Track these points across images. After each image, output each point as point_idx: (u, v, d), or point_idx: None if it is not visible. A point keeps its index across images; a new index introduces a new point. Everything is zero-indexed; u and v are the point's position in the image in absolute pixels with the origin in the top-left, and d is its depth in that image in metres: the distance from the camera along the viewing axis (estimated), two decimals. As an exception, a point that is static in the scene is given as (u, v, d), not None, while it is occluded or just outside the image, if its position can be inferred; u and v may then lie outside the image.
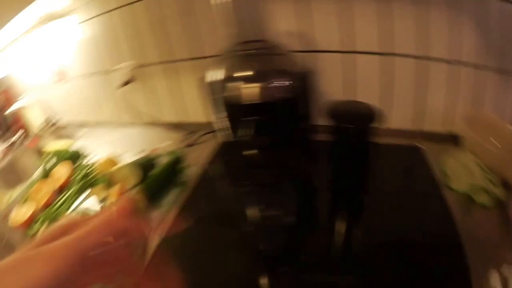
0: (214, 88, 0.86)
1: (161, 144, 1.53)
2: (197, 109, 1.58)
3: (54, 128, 1.87)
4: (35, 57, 1.78)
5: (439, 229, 0.71)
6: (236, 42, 0.83)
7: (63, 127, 1.90)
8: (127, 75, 1.58)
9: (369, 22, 0.93)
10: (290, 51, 0.89)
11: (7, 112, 1.80)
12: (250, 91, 0.80)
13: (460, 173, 0.73)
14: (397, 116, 1.09)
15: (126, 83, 1.59)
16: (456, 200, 0.74)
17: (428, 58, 0.91)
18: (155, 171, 1.28)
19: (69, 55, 1.70)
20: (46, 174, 1.46)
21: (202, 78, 0.91)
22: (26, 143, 1.83)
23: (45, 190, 1.33)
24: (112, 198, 1.20)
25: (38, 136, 1.89)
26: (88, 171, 1.40)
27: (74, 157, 1.53)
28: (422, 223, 0.73)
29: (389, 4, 0.89)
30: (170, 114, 1.65)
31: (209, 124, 1.31)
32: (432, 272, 0.62)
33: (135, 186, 1.24)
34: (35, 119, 1.91)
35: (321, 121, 1.03)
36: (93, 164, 1.44)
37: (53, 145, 1.70)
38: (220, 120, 0.96)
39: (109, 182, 1.30)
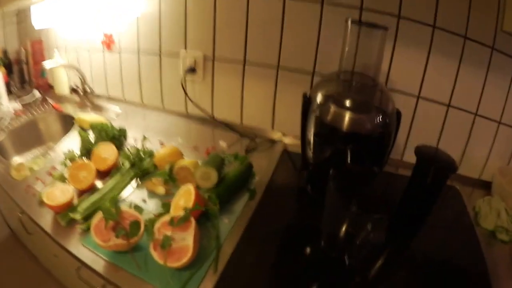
0: (314, 106, 0.84)
1: (219, 142, 1.35)
2: (252, 114, 1.39)
3: (87, 97, 1.57)
4: (85, 15, 1.49)
5: (469, 256, 0.83)
6: (342, 68, 0.82)
7: (96, 98, 1.60)
8: (191, 62, 1.35)
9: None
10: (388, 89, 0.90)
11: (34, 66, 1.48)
12: (353, 120, 0.78)
13: (489, 214, 0.87)
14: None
15: (190, 70, 1.37)
16: (483, 235, 0.87)
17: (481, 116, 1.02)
18: (230, 175, 1.09)
19: (125, 25, 1.44)
20: (85, 153, 1.19)
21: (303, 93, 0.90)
22: (47, 105, 1.52)
23: (87, 173, 1.09)
24: (185, 198, 0.99)
25: (64, 100, 1.58)
26: (140, 158, 1.17)
27: (118, 137, 1.27)
28: (457, 251, 0.86)
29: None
30: (222, 113, 1.44)
31: (260, 132, 1.33)
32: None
33: (210, 188, 1.05)
34: (63, 82, 1.60)
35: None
36: (147, 151, 1.20)
37: (88, 116, 1.42)
38: (310, 138, 0.91)
39: (171, 178, 1.09)
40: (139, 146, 1.27)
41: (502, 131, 1.01)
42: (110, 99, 1.59)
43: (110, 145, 1.19)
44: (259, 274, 0.83)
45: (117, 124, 1.33)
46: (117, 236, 0.85)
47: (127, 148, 1.24)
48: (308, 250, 0.88)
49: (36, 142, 1.50)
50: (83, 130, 1.34)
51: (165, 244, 0.80)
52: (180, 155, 1.16)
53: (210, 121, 1.44)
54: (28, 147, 1.48)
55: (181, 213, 0.89)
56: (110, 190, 1.07)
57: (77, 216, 0.96)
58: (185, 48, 1.34)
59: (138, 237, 0.86)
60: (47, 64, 1.46)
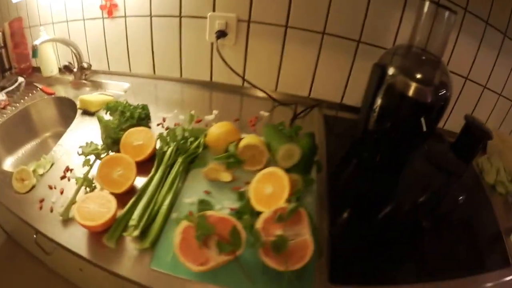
0: (381, 76, 0.84)
1: (260, 112, 1.11)
2: (289, 81, 1.17)
3: (84, 74, 1.20)
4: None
5: (478, 203, 0.90)
6: (412, 43, 0.84)
7: (94, 74, 1.24)
8: (222, 25, 1.07)
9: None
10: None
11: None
12: (422, 91, 0.79)
13: (490, 170, 0.96)
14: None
15: (220, 34, 1.05)
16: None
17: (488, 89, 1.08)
18: (304, 150, 0.85)
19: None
20: (111, 144, 0.89)
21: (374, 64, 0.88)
22: (36, 90, 1.15)
23: (123, 168, 0.81)
24: (272, 184, 0.74)
25: (53, 82, 1.21)
26: (185, 141, 0.89)
27: (145, 116, 0.97)
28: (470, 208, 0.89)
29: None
30: (254, 80, 1.18)
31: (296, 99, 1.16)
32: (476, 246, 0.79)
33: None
34: (51, 60, 1.22)
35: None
36: (195, 130, 0.92)
37: (93, 97, 1.08)
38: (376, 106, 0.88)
39: (238, 160, 0.85)
40: (169, 124, 1.00)
41: (500, 101, 1.10)
42: (112, 74, 1.23)
43: (142, 128, 0.89)
44: (363, 251, 0.75)
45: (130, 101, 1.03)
46: (221, 253, 0.62)
47: (166, 129, 0.94)
48: (389, 215, 0.85)
49: (30, 135, 1.15)
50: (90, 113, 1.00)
51: (282, 246, 0.62)
52: (237, 132, 0.88)
53: (238, 90, 1.19)
54: (21, 143, 1.14)
55: (281, 204, 0.70)
56: (159, 187, 0.78)
57: (135, 232, 0.67)
58: (214, 10, 1.06)
59: (242, 246, 0.64)
60: (38, 41, 1.07)
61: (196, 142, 0.89)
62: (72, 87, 1.19)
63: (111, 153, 0.87)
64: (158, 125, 1.01)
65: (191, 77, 1.20)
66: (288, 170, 0.79)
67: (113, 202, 0.72)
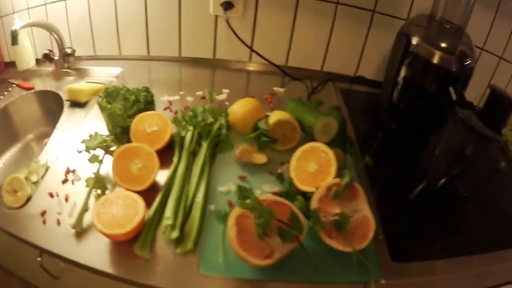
0: (406, 46, 0.80)
1: (274, 88, 0.99)
2: (301, 54, 1.06)
3: (67, 62, 1.00)
4: None
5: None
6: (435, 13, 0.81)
7: (78, 61, 1.05)
8: None
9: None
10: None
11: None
12: (443, 58, 0.76)
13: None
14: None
15: (227, 6, 0.93)
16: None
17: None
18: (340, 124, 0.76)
19: None
20: (120, 134, 0.73)
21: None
22: (11, 87, 0.95)
23: (143, 160, 0.67)
24: (315, 161, 0.64)
25: (31, 76, 1.01)
26: (205, 123, 0.76)
27: (151, 100, 0.82)
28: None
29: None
30: (264, 54, 1.04)
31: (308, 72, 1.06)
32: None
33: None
34: (27, 51, 1.01)
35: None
36: (216, 109, 0.79)
37: (82, 85, 0.90)
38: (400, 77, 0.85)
39: (271, 139, 0.74)
40: (177, 108, 0.87)
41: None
42: (100, 59, 1.04)
43: (154, 112, 0.75)
44: (411, 226, 0.70)
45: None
46: (285, 241, 0.52)
47: (175, 113, 0.80)
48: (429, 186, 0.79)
49: (11, 140, 0.95)
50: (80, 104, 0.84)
51: (344, 224, 0.55)
52: (263, 108, 0.76)
53: (244, 66, 1.07)
54: (1, 150, 0.91)
55: (330, 180, 0.62)
56: (186, 178, 0.65)
57: (173, 234, 0.55)
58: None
59: (304, 230, 0.54)
60: (16, 25, 0.86)
61: (217, 123, 0.76)
62: (54, 78, 1.00)
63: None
64: (165, 109, 0.88)
65: (192, 55, 1.05)
66: (337, 144, 0.69)
67: (140, 202, 0.58)
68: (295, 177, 0.67)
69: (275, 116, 0.74)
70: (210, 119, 0.77)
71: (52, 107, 0.94)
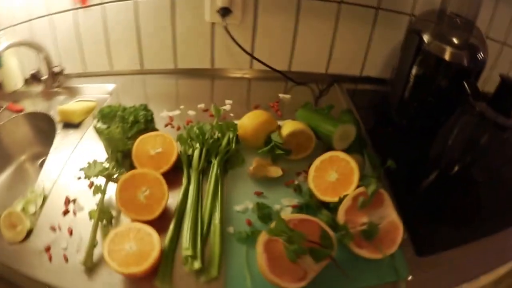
0: (418, 43, 0.77)
1: (279, 95, 0.93)
2: (304, 58, 0.99)
3: (57, 81, 0.92)
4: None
5: None
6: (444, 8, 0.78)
7: (68, 80, 0.97)
8: (225, 1, 0.86)
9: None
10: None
11: None
12: (456, 54, 0.73)
13: None
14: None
15: (224, 11, 0.86)
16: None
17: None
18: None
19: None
20: (121, 158, 0.66)
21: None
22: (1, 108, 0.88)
23: (150, 187, 0.60)
24: (335, 170, 0.60)
25: (19, 98, 0.93)
26: (213, 139, 0.70)
27: (151, 119, 0.75)
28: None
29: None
30: (265, 60, 0.97)
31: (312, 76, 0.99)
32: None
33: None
34: (14, 72, 0.93)
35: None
36: (224, 124, 0.72)
37: (74, 106, 0.83)
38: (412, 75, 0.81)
39: (285, 151, 0.67)
40: (179, 123, 0.80)
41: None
42: (91, 76, 0.96)
43: (156, 133, 0.68)
44: (432, 218, 0.68)
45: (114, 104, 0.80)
46: (318, 261, 0.48)
47: (177, 129, 0.74)
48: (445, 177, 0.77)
49: (2, 164, 0.86)
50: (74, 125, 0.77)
51: (373, 233, 0.53)
52: (274, 120, 0.70)
53: (243, 74, 1.00)
54: None
55: (352, 189, 0.58)
56: (199, 200, 0.58)
57: (196, 264, 0.49)
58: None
59: (335, 246, 0.50)
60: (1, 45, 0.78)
61: (225, 138, 0.69)
62: (43, 98, 0.92)
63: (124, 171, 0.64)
64: (166, 126, 0.80)
65: (188, 66, 0.98)
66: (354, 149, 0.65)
67: (154, 235, 0.52)
68: (315, 188, 0.62)
69: (288, 127, 0.68)
70: (217, 134, 0.71)
71: (44, 127, 0.87)
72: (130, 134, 0.71)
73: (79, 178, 0.67)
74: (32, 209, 0.62)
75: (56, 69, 0.89)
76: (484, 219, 0.69)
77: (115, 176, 0.62)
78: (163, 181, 0.60)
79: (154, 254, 0.49)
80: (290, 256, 0.47)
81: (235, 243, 0.56)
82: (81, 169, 0.63)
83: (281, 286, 0.47)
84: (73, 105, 0.84)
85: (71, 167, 0.70)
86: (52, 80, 0.90)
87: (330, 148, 0.68)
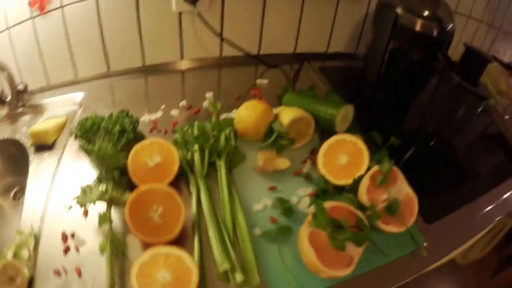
0: (390, 17, 0.73)
1: (257, 81, 0.85)
2: (273, 40, 0.91)
3: (21, 100, 0.75)
4: None
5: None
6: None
7: (31, 96, 0.78)
8: None
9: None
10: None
11: None
12: (426, 24, 0.71)
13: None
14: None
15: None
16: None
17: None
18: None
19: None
20: (118, 176, 0.56)
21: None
22: None
23: (163, 202, 0.51)
24: (345, 152, 0.56)
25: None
26: (214, 138, 0.61)
27: (137, 125, 0.64)
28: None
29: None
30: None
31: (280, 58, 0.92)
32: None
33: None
34: None
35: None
36: (219, 122, 0.63)
37: (45, 125, 0.68)
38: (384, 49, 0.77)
39: (290, 140, 0.62)
40: (165, 126, 0.69)
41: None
42: (55, 88, 0.79)
43: (150, 141, 0.57)
44: (428, 184, 0.66)
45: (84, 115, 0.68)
46: (361, 245, 0.46)
47: (164, 133, 0.64)
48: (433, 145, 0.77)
49: None
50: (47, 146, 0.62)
51: (396, 208, 0.51)
52: (271, 109, 0.62)
53: (214, 63, 0.89)
54: None
55: (365, 168, 0.55)
56: (214, 207, 0.52)
57: (238, 276, 0.43)
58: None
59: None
60: None
61: (222, 136, 0.61)
62: (9, 122, 0.73)
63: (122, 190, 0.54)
64: (151, 131, 0.69)
65: (157, 62, 0.84)
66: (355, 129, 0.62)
67: (184, 256, 0.44)
68: (327, 173, 0.57)
69: (287, 115, 0.62)
70: (214, 133, 0.62)
71: (12, 154, 0.70)
72: (119, 146, 0.59)
73: (70, 207, 0.55)
74: (25, 254, 0.49)
75: (19, 87, 0.71)
76: (470, 184, 0.70)
77: (121, 197, 0.52)
78: (175, 194, 0.51)
79: (194, 278, 0.41)
80: (338, 245, 0.44)
81: (264, 244, 0.50)
82: (74, 198, 0.52)
83: (334, 276, 0.44)
84: (43, 124, 0.68)
85: (57, 195, 0.57)
86: (17, 100, 0.72)
87: (327, 131, 0.64)
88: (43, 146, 0.67)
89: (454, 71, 0.70)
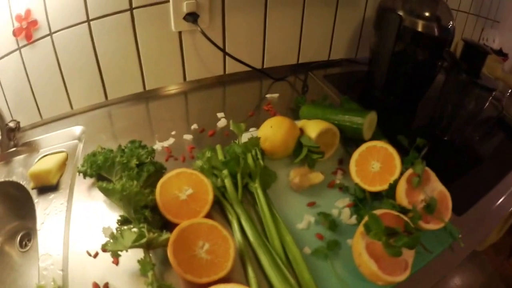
0: (389, 19, 0.75)
1: (267, 96, 0.83)
2: (276, 53, 0.90)
3: (15, 139, 0.66)
4: None
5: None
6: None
7: (25, 134, 0.70)
8: (191, 7, 0.70)
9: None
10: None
11: None
12: (429, 25, 0.73)
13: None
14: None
15: (190, 17, 0.71)
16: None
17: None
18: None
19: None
20: (154, 215, 0.51)
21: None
22: None
23: (210, 241, 0.47)
24: (377, 159, 0.56)
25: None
26: (243, 161, 0.58)
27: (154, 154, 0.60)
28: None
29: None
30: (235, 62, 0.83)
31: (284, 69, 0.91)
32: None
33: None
34: None
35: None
36: (243, 144, 0.60)
37: (44, 165, 0.61)
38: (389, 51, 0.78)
39: (320, 153, 0.60)
40: (181, 153, 0.65)
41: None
42: (49, 122, 0.72)
43: (177, 171, 0.54)
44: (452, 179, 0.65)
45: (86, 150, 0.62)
46: (413, 248, 0.46)
47: (182, 160, 0.60)
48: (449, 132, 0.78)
49: None
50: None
51: (434, 206, 0.51)
52: (295, 123, 0.61)
53: (219, 81, 0.86)
54: None
55: (398, 172, 0.55)
56: (258, 233, 0.49)
57: None
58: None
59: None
60: None
61: (249, 157, 0.58)
62: (2, 163, 0.65)
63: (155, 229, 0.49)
64: (167, 160, 0.64)
65: (158, 85, 0.80)
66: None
67: None
68: (361, 182, 0.57)
69: (312, 128, 0.60)
70: (242, 156, 0.58)
71: (12, 195, 0.62)
72: (141, 182, 0.54)
73: (96, 254, 0.49)
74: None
75: (11, 125, 0.63)
76: (487, 173, 0.72)
77: (159, 239, 0.46)
78: (219, 226, 0.47)
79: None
80: (395, 252, 0.43)
81: (316, 261, 0.48)
82: (104, 246, 0.46)
83: (394, 282, 0.44)
84: (43, 164, 0.61)
85: (76, 241, 0.51)
86: (8, 140, 0.64)
87: (350, 139, 0.64)
88: (48, 188, 0.59)
89: (459, 67, 0.72)
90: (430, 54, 0.76)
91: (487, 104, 0.72)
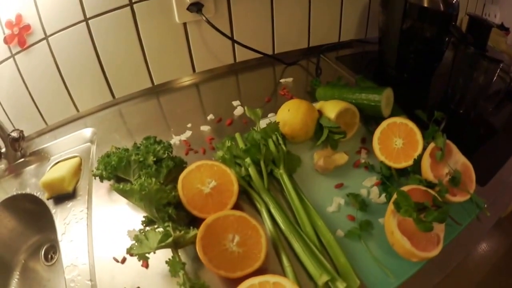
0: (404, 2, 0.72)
1: (281, 81, 0.80)
2: (286, 38, 0.86)
3: (21, 150, 0.63)
4: None
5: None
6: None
7: (32, 143, 0.67)
8: None
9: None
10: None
11: None
12: (433, 0, 0.70)
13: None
14: None
15: (194, 7, 0.66)
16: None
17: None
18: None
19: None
20: (178, 212, 0.48)
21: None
22: None
23: (240, 234, 0.44)
24: (398, 136, 0.53)
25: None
26: (265, 147, 0.54)
27: (171, 151, 0.56)
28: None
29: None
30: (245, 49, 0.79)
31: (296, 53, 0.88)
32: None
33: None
34: None
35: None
36: (266, 129, 0.57)
37: (56, 173, 0.57)
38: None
39: (342, 133, 0.57)
40: (200, 145, 0.62)
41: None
42: (55, 128, 0.69)
43: (197, 164, 0.50)
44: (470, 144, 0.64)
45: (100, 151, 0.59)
46: (444, 222, 0.44)
47: (203, 153, 0.58)
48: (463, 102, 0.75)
49: (3, 271, 0.57)
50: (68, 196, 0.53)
51: (459, 179, 0.49)
52: (312, 105, 0.57)
53: (230, 71, 0.83)
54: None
55: (421, 147, 0.52)
56: (289, 220, 0.46)
57: (341, 285, 0.40)
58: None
59: None
60: None
61: (271, 143, 0.55)
62: (12, 176, 0.62)
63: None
64: (187, 153, 0.62)
65: (168, 79, 0.77)
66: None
67: (283, 281, 0.39)
68: (387, 159, 0.55)
69: (331, 108, 0.57)
70: (262, 142, 0.55)
71: (29, 209, 0.60)
72: (161, 178, 0.51)
73: (124, 259, 0.46)
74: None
75: (14, 135, 0.60)
76: (504, 142, 0.70)
77: (187, 235, 0.44)
78: (247, 216, 0.45)
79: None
80: (427, 227, 0.41)
81: (351, 243, 0.46)
82: (129, 251, 0.43)
83: (428, 258, 0.42)
84: (56, 171, 0.58)
85: (101, 249, 0.48)
86: (14, 150, 0.60)
87: (371, 118, 0.60)
88: (64, 196, 0.56)
89: (466, 41, 0.69)
90: (438, 30, 0.74)
91: (496, 76, 0.70)
